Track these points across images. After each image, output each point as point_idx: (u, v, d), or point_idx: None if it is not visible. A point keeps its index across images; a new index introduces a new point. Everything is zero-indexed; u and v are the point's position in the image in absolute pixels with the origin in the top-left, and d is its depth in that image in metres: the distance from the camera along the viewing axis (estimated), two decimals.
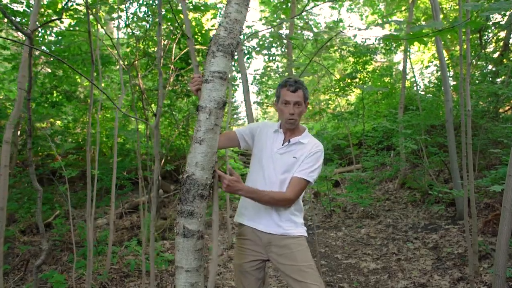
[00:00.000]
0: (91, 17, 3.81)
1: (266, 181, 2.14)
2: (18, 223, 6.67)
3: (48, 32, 6.58)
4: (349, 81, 9.22)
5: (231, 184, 1.97)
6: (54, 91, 8.15)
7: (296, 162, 2.13)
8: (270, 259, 2.15)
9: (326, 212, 6.74)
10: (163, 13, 6.07)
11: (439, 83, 7.52)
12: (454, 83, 7.53)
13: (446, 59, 7.25)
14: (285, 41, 10.83)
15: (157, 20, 7.13)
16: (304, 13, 12.19)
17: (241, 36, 1.93)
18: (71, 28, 5.90)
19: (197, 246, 1.79)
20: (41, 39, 6.37)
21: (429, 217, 5.84)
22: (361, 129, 10.21)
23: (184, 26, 2.14)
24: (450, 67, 8.86)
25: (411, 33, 2.36)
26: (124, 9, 6.50)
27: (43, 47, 6.64)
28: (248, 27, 11.60)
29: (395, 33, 2.76)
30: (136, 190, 8.76)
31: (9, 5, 5.56)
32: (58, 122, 10.80)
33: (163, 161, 7.08)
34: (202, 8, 6.32)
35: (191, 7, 6.42)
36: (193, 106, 8.50)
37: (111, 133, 7.84)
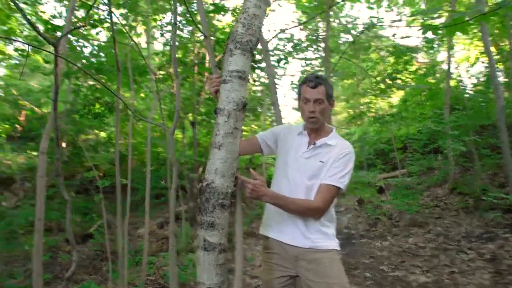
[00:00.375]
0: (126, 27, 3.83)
1: (291, 188, 1.95)
2: (64, 233, 6.84)
3: (83, 44, 6.74)
4: (389, 82, 8.83)
5: (255, 188, 1.79)
6: (96, 103, 8.39)
7: (323, 166, 1.92)
8: (299, 275, 1.95)
9: (370, 220, 6.42)
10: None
11: (487, 80, 7.02)
12: (506, 80, 7.03)
13: (494, 54, 6.77)
14: (321, 44, 10.63)
15: (191, 29, 7.19)
16: (342, 16, 11.92)
17: (264, 35, 1.79)
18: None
19: (219, 260, 1.65)
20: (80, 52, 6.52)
21: (484, 225, 5.40)
22: (405, 132, 9.78)
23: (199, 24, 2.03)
24: (500, 63, 8.28)
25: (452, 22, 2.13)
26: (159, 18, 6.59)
27: (83, 60, 6.85)
28: (282, 31, 11.48)
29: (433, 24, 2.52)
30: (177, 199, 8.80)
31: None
32: (102, 133, 11.12)
33: (200, 170, 7.05)
34: (224, 8, 6.19)
35: (212, 8, 6.31)
36: None
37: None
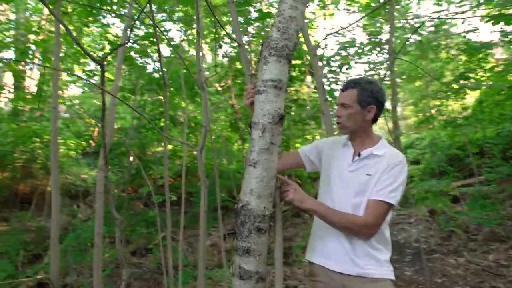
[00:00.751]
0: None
1: (335, 206, 1.73)
2: (130, 244, 7.05)
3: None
4: (462, 82, 8.14)
5: (298, 190, 1.66)
6: (161, 117, 8.69)
7: (371, 180, 1.69)
8: None
9: (443, 233, 5.87)
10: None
11: None
12: None
13: None
14: (385, 46, 10.15)
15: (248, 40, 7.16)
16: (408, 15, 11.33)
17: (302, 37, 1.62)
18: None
19: None
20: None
21: None
22: (482, 135, 8.95)
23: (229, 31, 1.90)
24: None
25: None
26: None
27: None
28: (343, 35, 11.14)
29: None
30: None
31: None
32: (169, 146, 11.46)
33: None
34: (269, 15, 6.05)
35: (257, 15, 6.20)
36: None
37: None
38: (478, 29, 7.16)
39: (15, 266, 6.41)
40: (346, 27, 8.29)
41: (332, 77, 10.03)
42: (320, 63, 8.89)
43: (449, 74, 9.54)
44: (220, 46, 7.78)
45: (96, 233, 3.58)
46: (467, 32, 7.62)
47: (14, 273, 6.01)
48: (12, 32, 8.28)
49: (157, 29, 2.51)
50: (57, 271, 3.87)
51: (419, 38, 9.62)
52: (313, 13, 10.43)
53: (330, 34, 3.87)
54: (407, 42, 10.39)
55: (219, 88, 6.60)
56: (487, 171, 6.68)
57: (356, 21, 8.01)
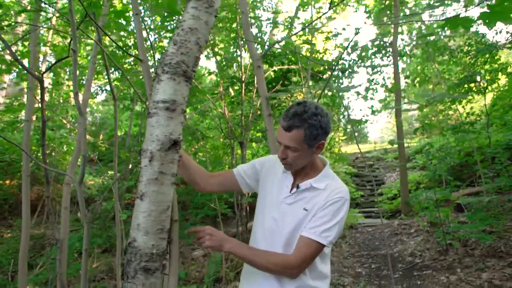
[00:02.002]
0: None
1: (267, 240, 1.58)
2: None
3: None
4: (467, 86, 7.81)
5: (213, 233, 1.51)
6: None
7: (307, 215, 1.52)
8: None
9: (441, 246, 5.58)
10: None
11: None
12: None
13: None
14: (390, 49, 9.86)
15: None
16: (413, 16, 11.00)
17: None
18: None
19: None
20: None
21: None
22: (492, 141, 8.57)
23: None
24: None
25: None
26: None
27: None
28: (346, 39, 10.92)
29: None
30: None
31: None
32: None
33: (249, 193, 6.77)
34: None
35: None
36: None
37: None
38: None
39: (7, 276, 6.41)
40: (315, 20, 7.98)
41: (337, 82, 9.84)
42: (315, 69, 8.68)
43: (456, 77, 9.17)
44: (216, 54, 7.67)
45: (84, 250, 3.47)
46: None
47: (3, 284, 5.98)
48: None
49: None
50: (25, 286, 3.76)
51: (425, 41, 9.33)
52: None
53: (306, 27, 3.63)
54: (412, 44, 10.10)
55: (208, 96, 6.44)
56: (486, 181, 6.34)
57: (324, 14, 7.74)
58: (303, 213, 1.53)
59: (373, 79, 10.30)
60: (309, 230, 1.49)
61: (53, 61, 11.52)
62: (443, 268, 4.84)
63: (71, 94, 10.33)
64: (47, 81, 10.95)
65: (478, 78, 7.88)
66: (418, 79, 10.97)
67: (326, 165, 1.64)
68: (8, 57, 4.43)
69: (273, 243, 1.56)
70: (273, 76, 9.91)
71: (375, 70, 10.18)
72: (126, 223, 6.38)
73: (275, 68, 7.98)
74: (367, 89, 10.55)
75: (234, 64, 7.76)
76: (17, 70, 5.03)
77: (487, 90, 8.36)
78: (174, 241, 1.45)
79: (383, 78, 10.94)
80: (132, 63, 7.27)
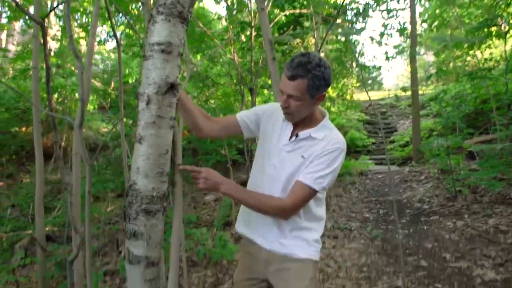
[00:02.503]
0: None
1: (265, 185, 1.64)
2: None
3: None
4: (487, 30, 7.45)
5: (208, 176, 1.53)
6: None
7: (304, 163, 1.57)
8: (270, 281, 1.67)
9: (450, 193, 5.60)
10: None
11: None
12: None
13: None
14: None
15: None
16: None
17: None
18: None
19: (146, 275, 1.38)
20: None
21: None
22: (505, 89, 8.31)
23: None
24: None
25: None
26: None
27: None
28: None
29: None
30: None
31: None
32: None
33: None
34: None
35: None
36: None
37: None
38: None
39: (27, 218, 6.70)
40: None
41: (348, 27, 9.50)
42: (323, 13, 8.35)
43: (476, 20, 8.74)
44: None
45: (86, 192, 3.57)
46: None
47: (25, 225, 6.26)
48: None
49: None
50: (43, 230, 3.92)
51: None
52: None
53: None
54: None
55: (217, 42, 6.29)
56: (500, 128, 6.22)
57: None
58: (301, 160, 1.58)
59: (388, 24, 9.90)
60: (305, 175, 1.54)
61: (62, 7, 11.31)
62: (451, 214, 4.90)
63: (80, 41, 10.20)
64: (56, 28, 10.81)
65: (500, 21, 7.51)
66: (436, 23, 10.50)
67: (326, 117, 1.67)
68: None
69: (272, 188, 1.61)
70: (284, 20, 9.60)
71: (391, 14, 9.76)
72: None
73: (286, 12, 7.70)
74: (381, 34, 10.18)
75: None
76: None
77: (508, 34, 8.00)
78: (177, 184, 1.46)
79: (399, 23, 10.44)
80: (140, 8, 7.07)
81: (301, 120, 1.62)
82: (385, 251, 4.03)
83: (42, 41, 2.24)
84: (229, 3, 7.40)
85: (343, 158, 1.56)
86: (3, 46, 14.34)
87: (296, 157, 1.59)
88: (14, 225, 6.02)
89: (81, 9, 7.25)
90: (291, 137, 1.64)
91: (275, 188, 1.60)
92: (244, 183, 5.92)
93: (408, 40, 10.42)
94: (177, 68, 1.37)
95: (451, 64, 10.84)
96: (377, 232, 4.63)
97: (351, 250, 4.10)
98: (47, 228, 5.60)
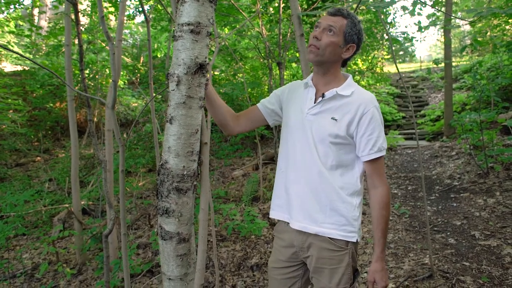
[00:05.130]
0: None
1: (290, 160, 1.59)
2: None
3: None
4: None
5: (377, 278, 1.51)
6: None
7: (337, 125, 1.49)
8: (308, 266, 1.61)
9: (482, 169, 5.46)
10: None
11: None
12: None
13: None
14: None
15: None
16: None
17: None
18: None
19: (178, 250, 1.44)
20: None
21: None
22: None
23: None
24: None
25: None
26: None
27: None
28: None
29: None
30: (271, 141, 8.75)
31: None
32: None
33: None
34: None
35: None
36: None
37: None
38: None
39: (64, 192, 6.99)
40: None
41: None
42: None
43: None
44: None
45: (120, 171, 3.70)
46: None
47: (62, 199, 6.55)
48: None
49: None
50: (79, 203, 4.10)
51: None
52: None
53: None
54: None
55: (245, 15, 6.20)
56: None
57: None
58: (332, 122, 1.50)
59: None
60: (370, 154, 1.50)
61: None
62: (482, 191, 4.79)
63: (109, 16, 10.28)
64: (86, 3, 10.91)
65: None
66: None
67: (349, 77, 1.61)
68: None
69: (302, 164, 1.55)
70: None
71: None
72: None
73: None
74: (414, 3, 9.78)
75: None
76: None
77: None
78: (204, 163, 1.49)
79: None
80: None
81: (325, 80, 1.57)
82: (413, 228, 4.01)
83: (74, 18, 2.29)
84: None
85: (380, 113, 1.54)
86: (36, 22, 14.65)
87: (324, 119, 1.51)
88: (52, 199, 6.30)
89: None
90: (316, 100, 1.56)
91: (306, 161, 1.53)
92: (271, 158, 5.98)
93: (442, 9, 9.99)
94: (206, 48, 1.38)
95: (488, 34, 10.34)
96: (405, 209, 4.60)
97: None
98: (82, 202, 5.84)
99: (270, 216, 1.73)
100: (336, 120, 1.49)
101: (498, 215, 3.99)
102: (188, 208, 1.43)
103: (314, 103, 1.56)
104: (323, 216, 1.52)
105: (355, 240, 1.53)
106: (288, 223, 1.62)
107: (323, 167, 1.51)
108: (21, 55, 1.56)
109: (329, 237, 1.51)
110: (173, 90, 1.35)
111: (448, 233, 3.74)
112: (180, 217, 1.41)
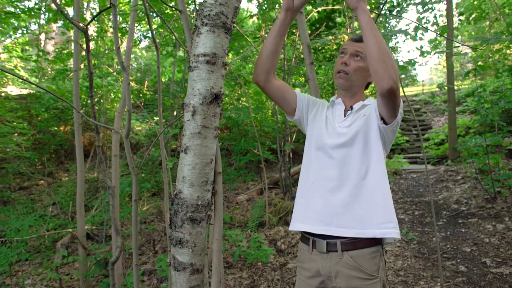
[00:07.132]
0: None
1: (334, 170, 1.49)
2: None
3: None
4: None
5: None
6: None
7: (368, 119, 1.50)
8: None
9: (489, 194, 5.41)
10: None
11: None
12: None
13: None
14: None
15: None
16: None
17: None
18: None
19: (191, 282, 1.41)
20: None
21: None
22: None
23: None
24: None
25: None
26: None
27: None
28: None
29: None
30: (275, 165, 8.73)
31: None
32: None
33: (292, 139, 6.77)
34: None
35: None
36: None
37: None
38: None
39: (67, 216, 6.95)
40: None
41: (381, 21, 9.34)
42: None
43: None
44: None
45: (133, 200, 3.69)
46: None
47: (65, 223, 6.50)
48: None
49: None
50: (83, 228, 4.06)
51: None
52: None
53: None
54: None
55: (249, 40, 6.29)
56: None
57: None
58: (363, 120, 1.51)
59: (424, 17, 9.63)
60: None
61: (97, 8, 11.61)
62: (490, 216, 4.73)
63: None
64: (92, 29, 11.11)
65: None
66: (474, 15, 10.14)
67: (369, 97, 1.66)
68: (54, 6, 4.51)
69: (348, 165, 1.48)
70: (316, 17, 9.52)
71: (426, 7, 9.50)
72: (171, 169, 6.64)
73: (319, 8, 7.64)
74: (416, 29, 9.92)
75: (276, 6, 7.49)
76: (63, 19, 5.13)
77: None
78: (218, 192, 1.49)
79: (435, 16, 10.15)
80: (174, 8, 7.19)
81: (350, 96, 1.62)
82: (422, 255, 3.94)
83: (83, 45, 2.32)
84: (260, 0, 7.41)
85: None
86: (42, 46, 14.89)
87: (358, 122, 1.52)
88: (55, 223, 6.25)
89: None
90: (346, 113, 1.60)
91: (353, 163, 1.46)
92: (276, 182, 5.93)
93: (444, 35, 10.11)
94: (221, 79, 1.40)
95: (490, 60, 10.44)
96: (413, 235, 4.54)
97: (387, 253, 4.04)
98: (86, 227, 5.80)
99: (300, 230, 1.56)
100: (366, 115, 1.52)
101: (508, 241, 3.93)
102: (202, 239, 1.41)
103: (345, 116, 1.59)
104: (375, 216, 1.42)
105: (395, 236, 1.42)
106: (312, 250, 1.50)
107: (366, 175, 1.46)
108: (27, 81, 1.57)
109: (357, 264, 1.41)
110: (189, 120, 1.35)
111: (458, 260, 3.68)
112: (194, 247, 1.39)
